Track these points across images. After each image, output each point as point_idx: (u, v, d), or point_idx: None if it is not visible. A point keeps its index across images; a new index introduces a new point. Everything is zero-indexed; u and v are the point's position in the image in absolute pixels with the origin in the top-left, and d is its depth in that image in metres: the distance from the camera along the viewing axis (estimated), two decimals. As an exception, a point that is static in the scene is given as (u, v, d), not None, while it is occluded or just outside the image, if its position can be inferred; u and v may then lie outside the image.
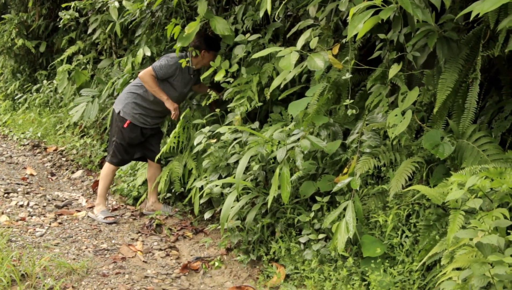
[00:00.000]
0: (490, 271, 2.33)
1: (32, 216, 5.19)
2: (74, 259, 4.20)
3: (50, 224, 5.00)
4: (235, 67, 4.71)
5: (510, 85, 3.45)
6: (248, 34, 4.68)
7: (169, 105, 5.14)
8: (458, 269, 2.61)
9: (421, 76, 3.60)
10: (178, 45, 4.91)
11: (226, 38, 4.90)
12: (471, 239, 2.50)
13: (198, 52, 5.04)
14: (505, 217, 2.51)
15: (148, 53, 5.65)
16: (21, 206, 5.46)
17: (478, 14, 2.62)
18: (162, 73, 5.07)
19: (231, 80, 4.71)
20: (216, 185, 4.49)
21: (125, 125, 5.23)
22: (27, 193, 5.95)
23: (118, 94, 6.12)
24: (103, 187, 5.39)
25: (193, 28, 4.75)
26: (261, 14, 4.10)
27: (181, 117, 5.21)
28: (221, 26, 4.78)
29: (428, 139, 3.24)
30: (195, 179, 4.98)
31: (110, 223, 5.17)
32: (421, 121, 3.54)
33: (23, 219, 5.04)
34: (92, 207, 5.55)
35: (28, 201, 5.59)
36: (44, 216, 5.21)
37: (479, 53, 3.21)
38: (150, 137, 5.44)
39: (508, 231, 2.57)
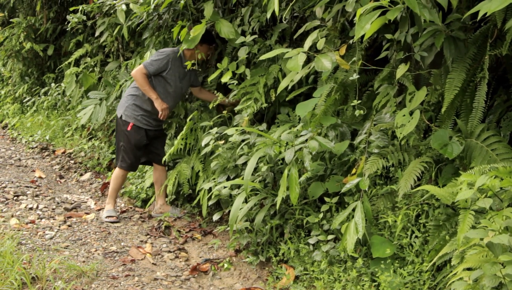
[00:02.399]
0: (501, 271, 2.33)
1: (41, 219, 5.21)
2: (83, 261, 4.22)
3: (59, 226, 5.02)
4: (241, 69, 4.72)
5: (519, 84, 3.44)
6: (249, 36, 4.68)
7: (158, 104, 5.12)
8: (468, 269, 2.60)
9: (429, 75, 3.59)
10: (183, 47, 4.92)
11: (231, 40, 4.91)
12: (481, 239, 2.49)
13: None
14: (515, 217, 2.50)
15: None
16: (31, 209, 5.49)
17: (486, 14, 2.62)
18: (153, 68, 5.09)
19: (236, 82, 4.72)
20: (225, 187, 4.50)
21: (129, 128, 5.24)
22: (36, 196, 5.98)
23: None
24: (112, 189, 5.41)
25: (198, 30, 4.76)
26: (268, 15, 4.11)
27: (188, 120, 5.22)
28: (226, 29, 4.79)
29: (437, 139, 3.24)
30: (203, 181, 4.98)
31: (112, 223, 5.22)
32: (429, 121, 3.53)
33: (32, 222, 5.07)
34: (100, 209, 5.59)
35: (37, 203, 5.62)
36: (54, 219, 5.23)
37: (486, 52, 3.20)
38: (154, 139, 5.44)
39: (519, 230, 2.57)
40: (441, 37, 3.23)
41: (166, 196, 5.56)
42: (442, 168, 3.41)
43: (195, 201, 5.19)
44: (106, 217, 5.28)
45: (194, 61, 5.07)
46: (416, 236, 3.39)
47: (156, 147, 5.48)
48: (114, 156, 6.96)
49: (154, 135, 5.41)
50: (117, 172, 5.41)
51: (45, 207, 5.57)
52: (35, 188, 6.32)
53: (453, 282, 2.62)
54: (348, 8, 3.58)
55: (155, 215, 5.46)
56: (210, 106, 5.19)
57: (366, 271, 3.47)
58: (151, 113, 5.25)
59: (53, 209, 5.56)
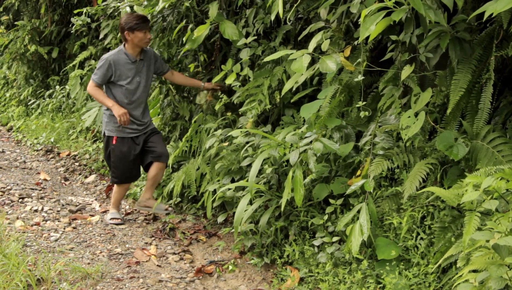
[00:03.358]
0: (508, 273, 2.32)
1: (46, 221, 5.22)
2: (88, 263, 4.22)
3: (64, 228, 5.02)
4: (245, 71, 4.71)
5: (524, 85, 3.43)
6: (250, 37, 4.66)
7: (115, 111, 4.92)
8: (474, 271, 2.59)
9: (434, 77, 3.58)
10: (186, 47, 4.93)
11: (235, 42, 4.91)
12: (487, 241, 2.48)
13: (125, 36, 4.92)
14: (522, 219, 2.49)
15: (159, 57, 5.66)
16: (36, 211, 5.49)
17: (491, 14, 2.61)
18: (99, 78, 4.94)
19: (240, 84, 4.73)
20: (229, 189, 4.49)
21: (114, 142, 5.09)
22: (41, 198, 5.99)
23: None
24: (115, 200, 5.39)
25: (202, 30, 4.76)
26: (273, 17, 4.10)
27: (192, 121, 5.21)
28: (230, 30, 4.78)
29: (442, 141, 3.23)
30: (208, 183, 4.98)
31: (117, 225, 5.22)
32: (435, 122, 3.52)
33: (37, 224, 5.08)
34: (105, 211, 5.60)
35: (42, 206, 5.62)
36: (59, 221, 5.24)
37: (492, 53, 3.19)
38: (148, 140, 5.20)
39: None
40: (447, 38, 3.22)
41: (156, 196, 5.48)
42: (447, 169, 3.40)
43: (200, 203, 5.19)
44: (111, 219, 5.27)
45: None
46: (422, 238, 3.37)
47: (152, 146, 5.19)
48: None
49: (145, 139, 5.19)
50: (114, 187, 5.36)
51: (50, 209, 5.58)
52: (40, 190, 6.33)
53: (459, 284, 2.61)
54: (353, 10, 3.58)
55: (138, 207, 5.33)
56: (216, 108, 5.18)
57: (371, 273, 3.46)
58: (132, 120, 5.07)
59: (58, 211, 5.57)
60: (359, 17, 3.29)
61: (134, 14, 4.95)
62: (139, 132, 5.15)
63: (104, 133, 5.17)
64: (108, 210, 5.48)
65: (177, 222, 5.28)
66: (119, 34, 6.54)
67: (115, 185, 5.34)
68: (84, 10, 6.93)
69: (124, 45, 5.03)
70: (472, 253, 2.69)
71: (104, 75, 4.94)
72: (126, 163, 5.16)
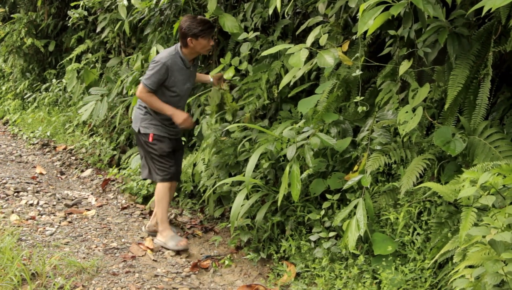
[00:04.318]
0: (504, 268, 2.31)
1: (42, 215, 5.20)
2: (84, 258, 4.21)
3: (60, 223, 5.01)
4: (244, 65, 4.69)
5: (522, 81, 3.42)
6: (251, 32, 4.62)
7: (177, 117, 4.48)
8: (470, 267, 2.58)
9: (432, 72, 3.57)
10: None
11: (234, 35, 4.89)
12: (484, 237, 2.48)
13: (188, 42, 4.40)
14: (519, 214, 2.48)
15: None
16: (31, 205, 5.48)
17: (490, 10, 2.60)
18: (153, 84, 4.40)
19: (238, 78, 4.70)
20: (226, 183, 4.48)
21: (150, 139, 4.56)
22: (37, 192, 5.97)
23: (126, 92, 6.13)
24: (162, 210, 4.65)
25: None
26: (270, 11, 4.09)
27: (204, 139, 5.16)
28: (230, 24, 4.76)
29: (439, 136, 3.22)
30: (207, 179, 4.95)
31: (179, 251, 4.56)
32: (432, 117, 3.52)
33: (33, 218, 5.06)
34: (101, 206, 5.58)
35: (38, 200, 5.61)
36: (54, 215, 5.22)
37: (490, 49, 3.19)
38: (172, 153, 4.74)
39: (522, 228, 2.55)
40: (445, 34, 3.22)
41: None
42: (444, 165, 3.39)
43: (201, 200, 5.17)
44: (176, 244, 4.56)
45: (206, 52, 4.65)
46: (418, 234, 3.37)
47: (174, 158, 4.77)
48: (115, 152, 6.95)
49: (173, 147, 4.72)
50: (160, 188, 4.63)
51: (45, 203, 5.56)
52: (36, 184, 6.31)
53: (455, 279, 2.60)
54: (351, 4, 3.57)
55: (147, 232, 4.87)
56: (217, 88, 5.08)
57: (367, 268, 3.46)
58: (170, 120, 4.58)
59: (54, 205, 5.55)
60: (358, 11, 3.27)
61: (197, 19, 4.40)
62: (173, 136, 4.71)
63: (139, 130, 4.61)
64: (102, 205, 5.44)
65: (173, 217, 5.27)
66: (116, 28, 6.51)
67: (160, 187, 4.64)
68: (81, 3, 6.90)
69: (181, 47, 4.49)
70: (469, 249, 2.68)
71: (159, 80, 4.41)
72: (170, 155, 4.67)
